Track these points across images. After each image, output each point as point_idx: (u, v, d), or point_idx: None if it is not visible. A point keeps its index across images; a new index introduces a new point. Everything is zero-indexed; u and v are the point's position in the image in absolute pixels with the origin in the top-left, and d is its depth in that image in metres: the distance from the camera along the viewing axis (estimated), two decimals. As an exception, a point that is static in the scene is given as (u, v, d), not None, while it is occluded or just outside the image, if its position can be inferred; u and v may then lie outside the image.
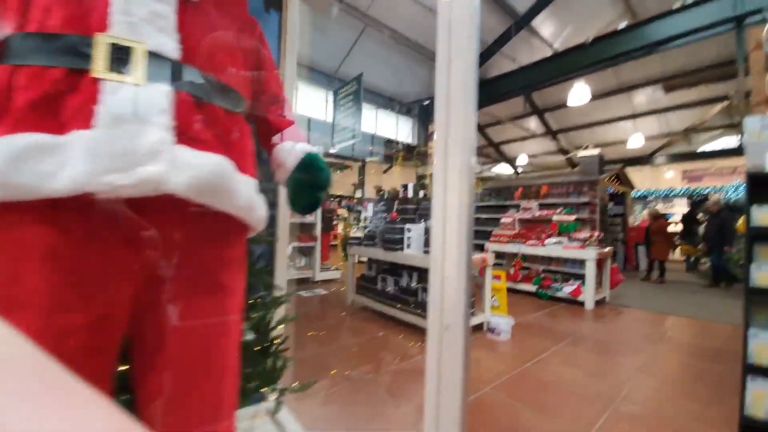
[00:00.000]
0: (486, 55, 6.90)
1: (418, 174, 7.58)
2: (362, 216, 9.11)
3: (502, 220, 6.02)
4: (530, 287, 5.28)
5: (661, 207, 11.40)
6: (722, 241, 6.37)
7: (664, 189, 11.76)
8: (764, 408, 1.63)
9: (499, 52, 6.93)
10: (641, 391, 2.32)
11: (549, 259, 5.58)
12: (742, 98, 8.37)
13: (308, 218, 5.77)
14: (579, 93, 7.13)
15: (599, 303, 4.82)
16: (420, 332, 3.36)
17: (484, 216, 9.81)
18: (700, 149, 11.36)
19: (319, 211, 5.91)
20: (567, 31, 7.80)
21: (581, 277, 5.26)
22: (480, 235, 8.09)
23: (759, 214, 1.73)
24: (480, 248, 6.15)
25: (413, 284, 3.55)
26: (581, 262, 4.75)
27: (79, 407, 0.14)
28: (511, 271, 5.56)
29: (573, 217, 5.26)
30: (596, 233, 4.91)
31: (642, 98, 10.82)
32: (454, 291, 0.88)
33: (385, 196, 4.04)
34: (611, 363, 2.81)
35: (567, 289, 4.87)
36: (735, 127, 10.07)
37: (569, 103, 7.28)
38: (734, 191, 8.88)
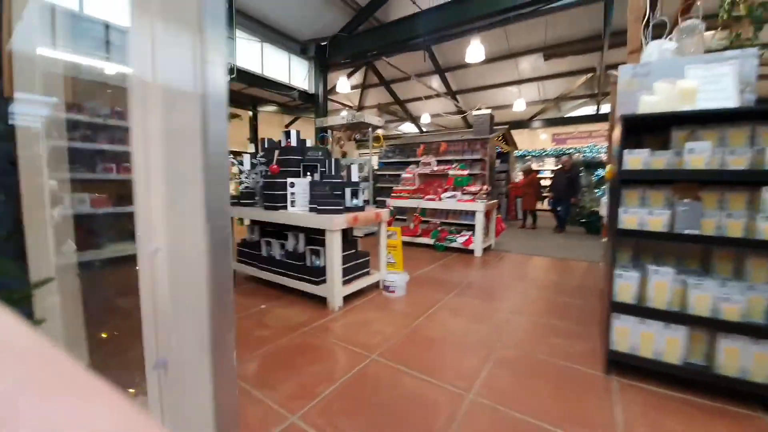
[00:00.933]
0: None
1: (317, 127, 6.83)
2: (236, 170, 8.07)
3: (403, 176, 5.91)
4: (429, 240, 5.39)
5: (535, 165, 13.15)
6: (570, 193, 7.38)
7: (539, 149, 13.53)
8: (627, 343, 1.73)
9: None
10: (516, 333, 2.42)
11: (446, 213, 5.77)
12: (603, 70, 9.89)
13: (175, 174, 4.63)
14: (475, 51, 7.19)
15: (486, 250, 5.20)
16: (313, 301, 2.98)
17: (388, 173, 9.80)
18: (567, 115, 13.22)
19: (190, 166, 4.80)
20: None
21: (473, 228, 5.58)
22: (386, 192, 8.00)
23: (629, 159, 1.74)
24: (383, 205, 6.02)
25: (300, 247, 3.09)
26: (473, 214, 4.96)
27: (89, 397, 0.15)
28: (411, 225, 5.57)
29: (466, 172, 5.42)
30: (485, 187, 5.16)
31: (526, 65, 11.81)
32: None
33: (265, 146, 3.33)
34: (491, 309, 2.93)
35: (460, 240, 5.10)
36: (594, 97, 11.91)
37: (467, 59, 7.31)
38: (589, 151, 10.76)
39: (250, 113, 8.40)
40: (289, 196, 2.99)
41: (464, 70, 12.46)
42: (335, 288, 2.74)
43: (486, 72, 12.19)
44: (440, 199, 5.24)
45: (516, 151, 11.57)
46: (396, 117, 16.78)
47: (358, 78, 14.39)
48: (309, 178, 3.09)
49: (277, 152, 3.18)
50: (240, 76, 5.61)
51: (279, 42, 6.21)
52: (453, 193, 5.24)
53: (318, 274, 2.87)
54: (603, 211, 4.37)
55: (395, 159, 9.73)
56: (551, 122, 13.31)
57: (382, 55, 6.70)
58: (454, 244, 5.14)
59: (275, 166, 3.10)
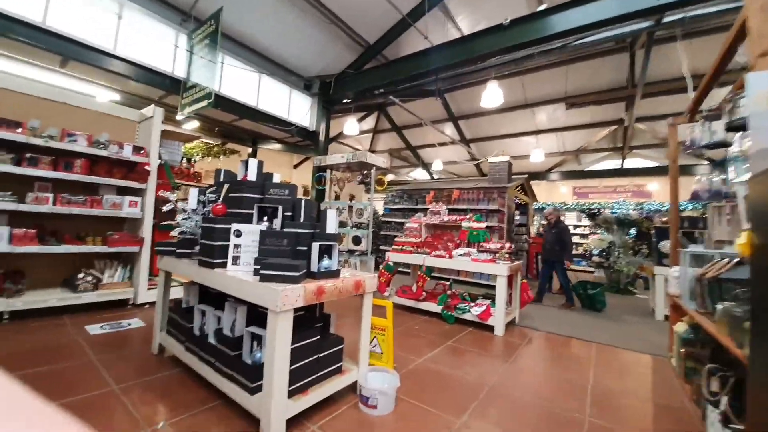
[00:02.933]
0: (399, 29, 5.91)
1: (314, 166, 6.13)
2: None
3: (407, 225, 4.99)
4: (435, 307, 4.29)
5: (556, 219, 12.11)
6: (560, 254, 5.57)
7: (558, 203, 12.59)
8: None
9: (412, 27, 5.99)
10: None
11: (457, 272, 4.72)
12: (632, 121, 9.23)
13: (128, 209, 3.83)
14: (492, 95, 6.63)
15: (509, 325, 4.04)
16: (248, 418, 1.90)
17: (395, 220, 8.93)
18: (588, 168, 12.44)
19: (151, 201, 4.02)
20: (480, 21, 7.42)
21: (490, 295, 4.48)
22: (391, 240, 7.05)
23: None
24: (382, 257, 5.03)
25: (238, 327, 2.08)
26: (491, 275, 3.90)
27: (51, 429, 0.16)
28: (414, 287, 4.51)
29: (483, 225, 4.46)
30: (507, 244, 4.15)
31: (543, 116, 11.36)
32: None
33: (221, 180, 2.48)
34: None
35: (475, 311, 3.98)
36: (619, 150, 11.18)
37: (482, 104, 6.75)
38: (619, 207, 9.77)
39: (250, 149, 7.88)
40: (231, 250, 2.06)
41: (478, 119, 12.10)
42: (274, 404, 1.67)
43: (501, 121, 11.78)
44: (451, 257, 4.23)
45: (535, 204, 10.66)
46: (407, 163, 16.40)
47: (369, 123, 14.25)
48: (265, 225, 2.18)
49: (226, 187, 2.32)
50: (230, 106, 5.06)
51: (279, 75, 5.79)
52: (467, 249, 4.24)
53: (255, 376, 1.83)
54: (669, 286, 3.24)
55: (402, 205, 8.93)
56: (571, 175, 12.50)
57: (390, 94, 6.20)
58: (467, 315, 4.02)
59: (220, 206, 2.22)
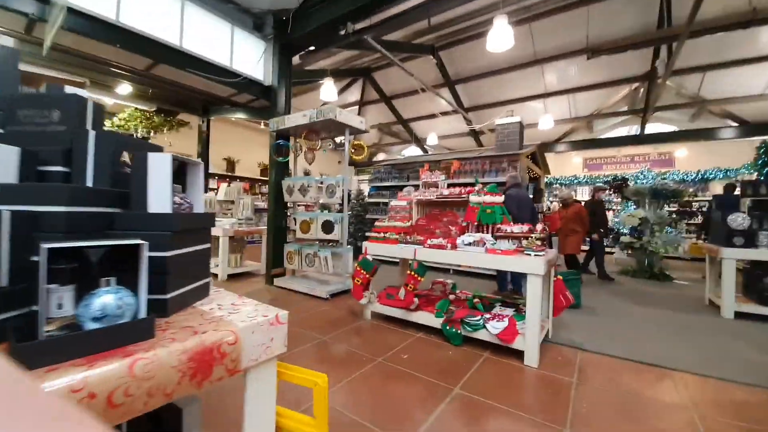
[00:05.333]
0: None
1: (271, 131, 4.69)
2: None
3: (392, 203, 3.60)
4: (433, 318, 2.98)
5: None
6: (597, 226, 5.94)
7: (569, 176, 11.22)
8: None
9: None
10: None
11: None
12: (668, 73, 7.71)
13: None
14: (499, 34, 5.11)
15: (542, 344, 2.73)
16: None
17: (383, 200, 7.53)
18: (604, 136, 11.01)
19: None
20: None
21: (512, 301, 3.17)
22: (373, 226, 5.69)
23: None
24: (359, 250, 3.69)
25: None
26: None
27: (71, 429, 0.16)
28: (401, 293, 3.17)
29: (500, 198, 3.08)
30: (538, 225, 2.80)
31: (554, 76, 9.83)
32: None
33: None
34: None
35: (494, 327, 2.66)
36: (640, 113, 9.72)
37: (488, 46, 5.23)
38: (643, 178, 8.41)
39: (202, 121, 6.37)
40: None
41: (479, 82, 10.51)
42: None
43: (505, 83, 10.21)
44: (455, 247, 2.88)
45: (547, 177, 9.29)
46: (399, 139, 14.87)
47: (355, 94, 12.63)
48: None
49: None
50: (135, 43, 3.55)
51: (213, 6, 4.23)
52: (478, 235, 2.89)
53: None
54: None
55: (392, 182, 7.53)
56: (584, 144, 11.05)
57: (367, 32, 4.67)
58: (480, 334, 2.71)
59: None
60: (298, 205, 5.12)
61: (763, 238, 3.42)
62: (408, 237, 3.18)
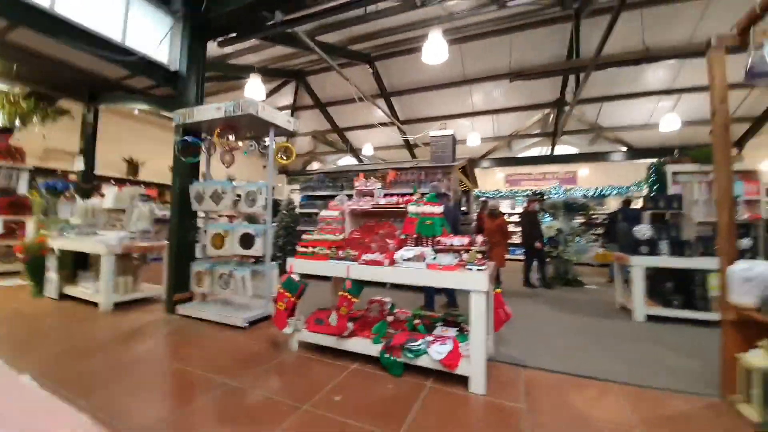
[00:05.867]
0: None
1: (176, 124, 3.90)
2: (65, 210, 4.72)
3: (322, 214, 3.16)
4: (370, 346, 2.59)
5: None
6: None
7: (492, 191, 12.06)
8: None
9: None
10: None
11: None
12: (575, 102, 8.65)
13: None
14: (434, 47, 5.16)
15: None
16: None
17: (315, 211, 7.00)
18: (521, 155, 12.08)
19: None
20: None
21: (451, 318, 2.96)
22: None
23: None
24: (283, 268, 3.13)
25: None
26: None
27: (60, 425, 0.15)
28: (333, 318, 2.72)
29: (440, 208, 2.88)
30: (477, 237, 2.63)
31: (480, 97, 10.52)
32: None
33: None
34: None
35: (437, 351, 2.38)
36: (550, 136, 10.89)
37: (424, 59, 5.24)
38: (555, 193, 9.34)
39: (86, 109, 5.13)
40: None
41: (412, 97, 10.73)
42: None
43: (436, 99, 10.59)
44: (392, 262, 2.56)
45: (475, 190, 9.74)
46: (334, 149, 14.43)
47: (288, 98, 11.90)
48: None
49: None
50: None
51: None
52: (418, 249, 2.62)
53: None
54: (731, 292, 1.91)
55: (325, 192, 7.06)
56: (504, 162, 12.03)
57: (298, 23, 4.23)
58: (422, 360, 2.40)
59: None
60: (219, 216, 4.34)
61: (663, 247, 3.81)
62: (340, 252, 2.77)
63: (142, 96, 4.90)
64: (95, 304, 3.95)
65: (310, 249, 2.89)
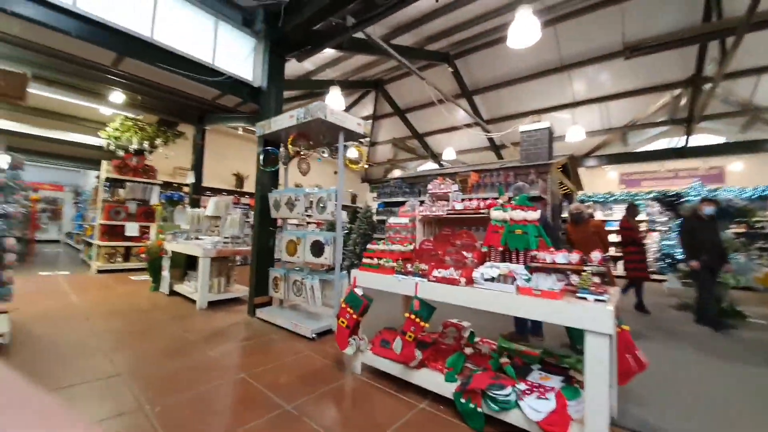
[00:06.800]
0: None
1: (258, 136, 4.09)
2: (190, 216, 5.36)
3: (390, 221, 2.81)
4: (442, 383, 2.11)
5: (600, 214, 9.66)
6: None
7: (603, 193, 10.08)
8: None
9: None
10: None
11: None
12: (720, 76, 6.63)
13: None
14: (523, 26, 4.44)
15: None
16: None
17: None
18: (641, 150, 9.90)
19: None
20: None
21: (556, 366, 2.29)
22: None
23: None
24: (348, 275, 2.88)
25: None
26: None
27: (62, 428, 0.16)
28: (398, 344, 2.32)
29: (534, 214, 2.25)
30: (596, 254, 1.93)
31: (583, 83, 8.97)
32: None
33: None
34: None
35: (534, 409, 1.77)
36: (684, 123, 8.64)
37: (509, 43, 4.56)
38: (695, 194, 7.23)
39: (197, 131, 5.91)
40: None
41: (498, 92, 9.78)
42: None
43: (527, 92, 9.43)
44: (470, 281, 2.05)
45: (579, 194, 8.27)
46: (414, 155, 14.20)
47: (368, 108, 12.17)
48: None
49: None
50: (92, 33, 3.06)
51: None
52: (504, 266, 2.05)
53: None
54: None
55: (402, 198, 6.78)
56: (619, 158, 9.93)
57: (367, 22, 4.05)
58: (512, 416, 1.82)
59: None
60: (308, 223, 4.44)
61: None
62: (408, 265, 2.37)
63: (235, 115, 5.37)
64: (193, 302, 4.37)
65: (376, 260, 2.57)
